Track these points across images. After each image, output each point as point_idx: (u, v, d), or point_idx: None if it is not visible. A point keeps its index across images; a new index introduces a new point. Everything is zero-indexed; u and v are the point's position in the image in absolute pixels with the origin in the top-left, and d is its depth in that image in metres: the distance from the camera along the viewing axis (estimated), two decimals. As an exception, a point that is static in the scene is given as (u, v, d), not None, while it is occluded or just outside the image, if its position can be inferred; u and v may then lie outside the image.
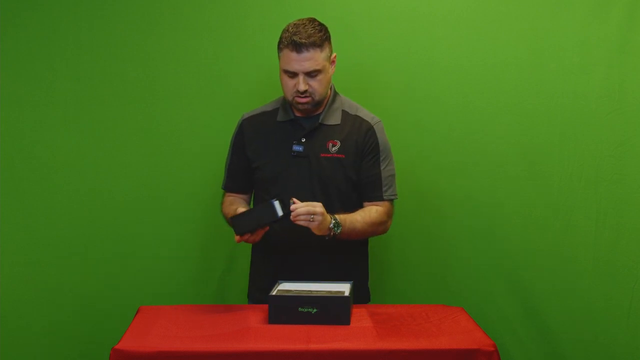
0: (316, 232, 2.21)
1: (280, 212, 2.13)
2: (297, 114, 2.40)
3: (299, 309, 2.02)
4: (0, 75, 2.72)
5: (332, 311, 2.02)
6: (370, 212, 2.37)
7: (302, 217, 2.16)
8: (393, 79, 2.82)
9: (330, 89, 2.42)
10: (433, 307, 2.27)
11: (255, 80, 2.80)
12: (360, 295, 2.50)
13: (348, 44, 2.68)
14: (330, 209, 2.32)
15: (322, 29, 2.32)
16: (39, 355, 2.79)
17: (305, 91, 2.30)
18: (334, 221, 2.25)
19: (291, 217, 2.16)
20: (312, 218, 2.17)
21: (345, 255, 2.41)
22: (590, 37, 2.72)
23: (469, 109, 2.81)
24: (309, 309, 2.02)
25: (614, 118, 2.72)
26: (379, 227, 2.40)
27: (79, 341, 2.81)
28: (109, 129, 2.79)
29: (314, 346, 1.87)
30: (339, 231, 2.26)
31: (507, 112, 2.80)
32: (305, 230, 2.25)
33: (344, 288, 2.16)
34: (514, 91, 2.79)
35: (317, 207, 2.19)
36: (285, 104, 2.41)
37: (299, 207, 2.16)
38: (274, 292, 2.09)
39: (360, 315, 2.11)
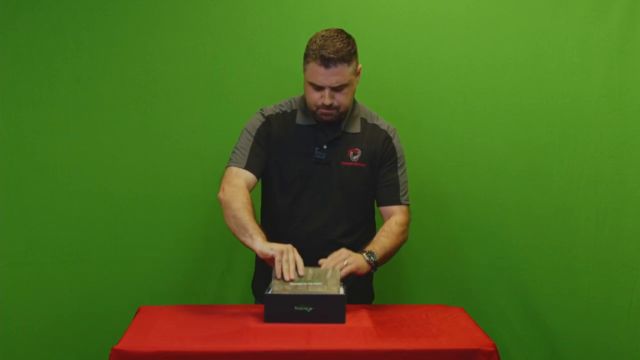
0: (361, 271, 2.18)
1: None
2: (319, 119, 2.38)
3: (295, 307, 2.02)
4: (0, 75, 2.72)
5: (328, 310, 2.03)
6: (391, 227, 2.34)
7: (334, 265, 2.13)
8: (393, 79, 2.82)
9: None
10: (433, 307, 2.27)
11: (255, 81, 2.80)
12: (365, 295, 2.51)
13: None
14: (349, 216, 2.34)
15: (350, 42, 2.28)
16: (39, 355, 2.79)
17: (331, 105, 2.29)
18: (365, 253, 2.22)
19: (324, 267, 2.12)
20: (346, 262, 2.14)
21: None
22: (590, 37, 2.72)
23: (469, 109, 2.81)
24: (305, 308, 2.02)
25: (614, 118, 2.72)
26: (404, 236, 2.37)
27: (79, 341, 2.81)
28: (109, 129, 2.79)
29: (314, 346, 1.87)
30: (377, 257, 2.23)
31: (507, 112, 2.80)
32: (313, 233, 2.30)
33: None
34: (514, 91, 2.79)
35: (342, 252, 2.17)
36: (305, 108, 2.39)
37: (330, 264, 2.13)
38: (269, 291, 2.10)
39: (360, 315, 2.11)
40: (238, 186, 2.28)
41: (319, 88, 2.27)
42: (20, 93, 2.74)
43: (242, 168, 2.34)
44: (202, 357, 1.83)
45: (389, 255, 2.32)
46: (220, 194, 2.28)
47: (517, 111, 2.79)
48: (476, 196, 2.83)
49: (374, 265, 2.23)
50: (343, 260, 2.15)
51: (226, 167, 2.37)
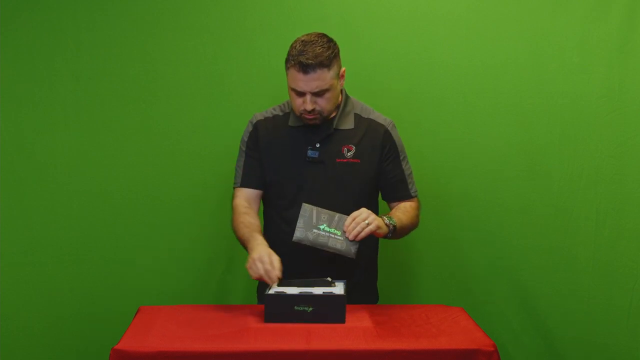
0: (380, 232, 2.21)
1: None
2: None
3: (295, 307, 2.02)
4: (0, 75, 2.72)
5: (328, 310, 2.03)
6: (406, 207, 2.40)
7: (358, 230, 2.15)
8: (393, 79, 2.82)
9: (342, 93, 2.41)
10: (433, 307, 2.27)
11: (255, 81, 2.80)
12: (369, 295, 2.51)
13: (348, 44, 2.67)
14: (346, 213, 2.33)
15: (330, 47, 2.27)
16: (39, 355, 2.79)
17: (313, 110, 2.29)
18: (384, 216, 2.26)
19: (350, 237, 2.16)
20: (367, 222, 2.17)
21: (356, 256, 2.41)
22: (590, 37, 2.72)
23: (469, 109, 2.81)
24: (305, 308, 2.03)
25: (614, 118, 2.72)
26: (416, 220, 2.43)
27: (79, 341, 2.81)
28: (109, 129, 2.79)
29: (314, 346, 1.87)
30: (395, 222, 2.26)
31: (507, 112, 2.80)
32: None
33: (339, 286, 2.17)
34: (514, 91, 2.79)
35: (362, 211, 2.19)
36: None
37: (350, 226, 2.16)
38: (269, 291, 2.10)
39: (360, 315, 2.11)
40: (234, 208, 2.40)
41: (300, 94, 2.28)
42: (20, 93, 2.74)
43: (239, 187, 2.42)
44: (202, 357, 1.83)
45: (402, 231, 2.34)
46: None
47: (517, 111, 2.79)
48: (476, 196, 2.83)
49: (392, 228, 2.25)
50: (364, 220, 2.17)
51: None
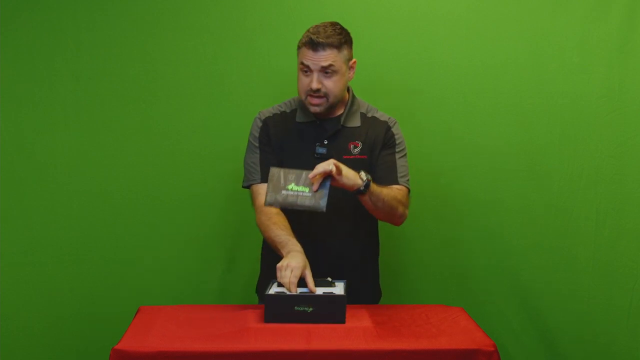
0: (346, 182, 2.14)
1: None
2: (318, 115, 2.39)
3: (295, 307, 2.02)
4: (0, 75, 2.72)
5: (328, 310, 2.03)
6: (391, 188, 2.32)
7: (315, 172, 2.09)
8: (393, 79, 2.82)
9: (349, 92, 2.43)
10: (433, 307, 2.27)
11: (255, 81, 2.80)
12: (373, 293, 2.52)
13: (348, 44, 2.69)
14: (353, 209, 2.33)
15: (343, 33, 2.32)
16: (39, 355, 2.79)
17: (319, 90, 2.29)
18: (362, 171, 2.19)
19: (313, 181, 2.10)
20: (332, 166, 2.09)
21: (358, 254, 2.42)
22: (590, 37, 2.72)
23: (469, 109, 2.81)
24: (305, 308, 2.03)
25: (614, 118, 2.72)
26: (400, 206, 2.32)
27: (79, 341, 2.81)
28: (109, 129, 2.79)
29: (314, 346, 1.87)
30: (370, 178, 2.18)
31: (507, 112, 2.80)
32: (321, 231, 2.30)
33: (339, 287, 2.17)
34: (514, 91, 2.79)
35: (330, 160, 2.13)
36: (304, 105, 2.39)
37: (312, 173, 2.11)
38: (269, 291, 2.10)
39: (360, 315, 2.11)
40: (259, 207, 2.33)
41: (308, 70, 2.29)
42: (20, 93, 2.74)
43: (260, 183, 2.37)
44: (202, 357, 1.83)
45: (380, 200, 2.23)
46: (256, 220, 2.36)
47: (517, 111, 2.79)
48: (476, 196, 2.83)
49: (366, 182, 2.16)
50: (330, 164, 2.10)
51: (249, 187, 2.40)
